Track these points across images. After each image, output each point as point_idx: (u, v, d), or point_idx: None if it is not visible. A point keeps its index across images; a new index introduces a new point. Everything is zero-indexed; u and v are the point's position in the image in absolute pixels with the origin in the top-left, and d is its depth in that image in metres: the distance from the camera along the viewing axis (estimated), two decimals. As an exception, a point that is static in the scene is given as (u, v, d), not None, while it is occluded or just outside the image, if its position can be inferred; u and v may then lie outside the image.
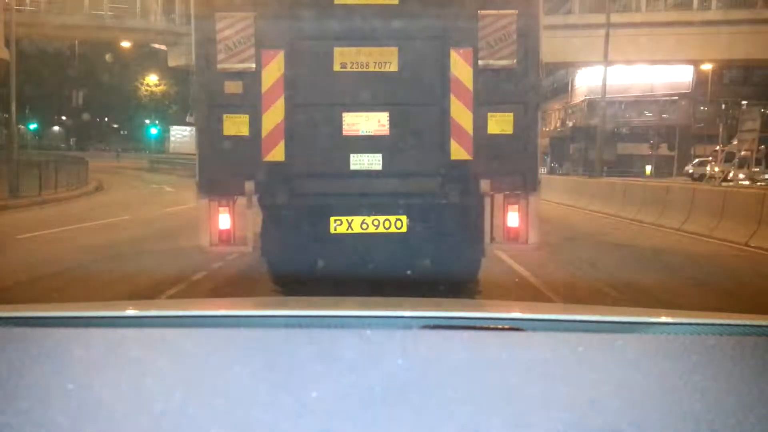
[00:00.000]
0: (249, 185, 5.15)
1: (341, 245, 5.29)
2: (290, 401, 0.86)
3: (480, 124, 5.11)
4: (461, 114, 5.08)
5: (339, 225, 5.16)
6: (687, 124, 43.45)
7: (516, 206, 5.31)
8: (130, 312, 1.61)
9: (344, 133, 5.11)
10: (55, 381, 0.92)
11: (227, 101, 5.07)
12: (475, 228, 5.37)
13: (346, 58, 5.05)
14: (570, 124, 50.80)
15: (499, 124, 5.11)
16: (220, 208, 5.20)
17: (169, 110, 63.26)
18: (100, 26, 34.74)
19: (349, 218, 5.16)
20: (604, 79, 24.96)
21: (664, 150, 41.97)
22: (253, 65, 5.00)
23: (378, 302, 1.79)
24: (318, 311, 1.57)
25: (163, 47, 40.12)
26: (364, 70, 5.05)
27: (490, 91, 5.11)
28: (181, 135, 59.58)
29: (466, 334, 1.32)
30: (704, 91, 42.85)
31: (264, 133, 5.06)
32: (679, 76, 43.73)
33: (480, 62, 5.07)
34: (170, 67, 41.29)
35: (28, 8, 33.33)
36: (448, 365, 1.05)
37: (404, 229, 5.17)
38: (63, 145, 60.06)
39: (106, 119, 65.59)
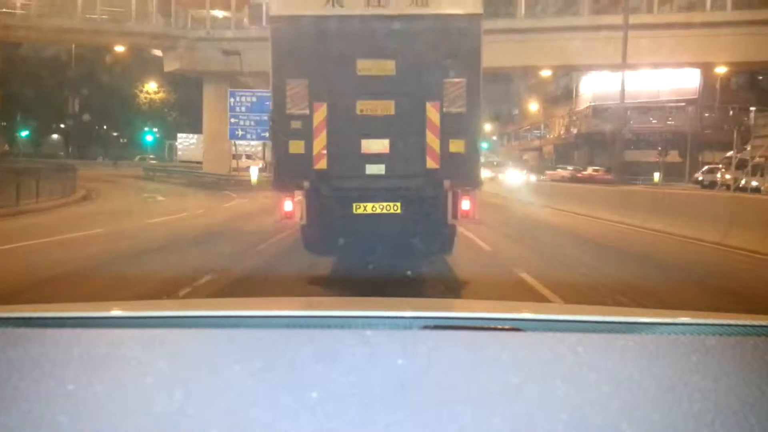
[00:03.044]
0: (305, 183, 7.76)
1: (360, 220, 7.92)
2: (290, 401, 0.85)
3: (444, 146, 7.72)
4: (433, 141, 7.73)
5: (359, 208, 7.85)
6: (694, 131, 42.79)
7: (467, 197, 8.02)
8: (130, 312, 1.61)
9: (362, 151, 7.76)
10: (55, 381, 0.92)
11: (292, 133, 7.76)
12: (443, 210, 7.97)
13: (364, 106, 7.76)
14: (574, 131, 50.43)
15: (456, 146, 7.74)
16: (286, 198, 7.98)
17: (168, 117, 62.78)
18: (95, 30, 34.13)
19: (365, 204, 7.85)
20: (623, 83, 24.14)
21: (673, 157, 41.53)
22: (307, 111, 7.70)
23: (378, 302, 1.80)
24: (318, 312, 1.57)
25: (158, 53, 39.27)
26: (375, 114, 7.76)
27: (450, 127, 7.70)
28: (188, 143, 58.48)
29: (466, 334, 1.33)
30: (712, 97, 42.56)
31: (314, 152, 7.72)
32: (686, 81, 43.36)
33: (444, 110, 7.71)
34: (166, 73, 40.42)
35: (18, 11, 32.62)
36: (448, 365, 1.05)
37: (399, 211, 7.85)
38: (62, 153, 58.98)
39: (105, 127, 65.03)
